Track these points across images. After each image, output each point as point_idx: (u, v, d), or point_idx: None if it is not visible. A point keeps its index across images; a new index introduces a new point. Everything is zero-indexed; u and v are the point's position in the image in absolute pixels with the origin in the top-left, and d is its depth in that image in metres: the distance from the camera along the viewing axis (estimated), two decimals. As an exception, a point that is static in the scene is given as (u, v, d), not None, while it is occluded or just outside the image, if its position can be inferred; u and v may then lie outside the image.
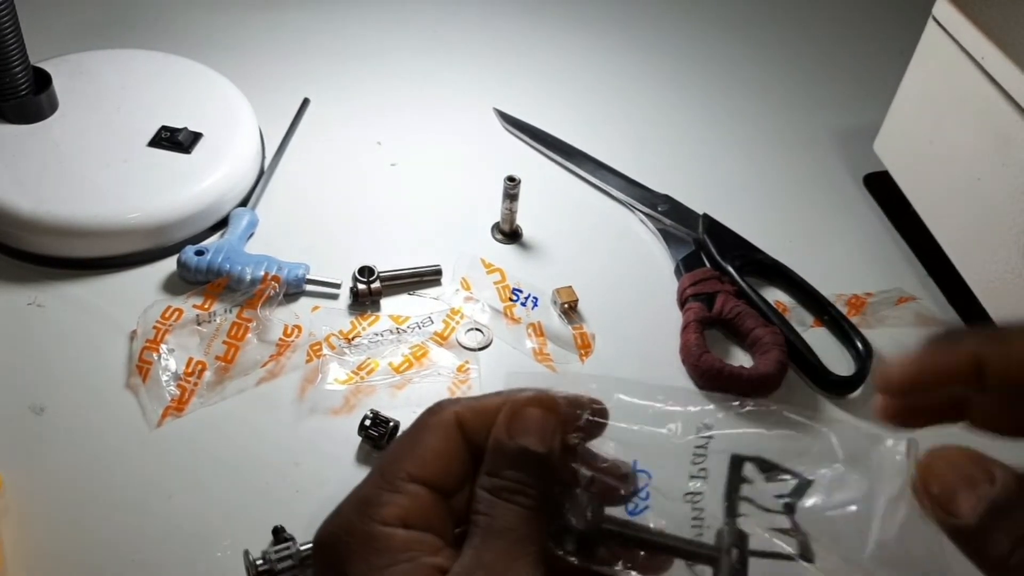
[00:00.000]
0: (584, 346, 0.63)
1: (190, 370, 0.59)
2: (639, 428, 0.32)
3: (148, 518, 0.53)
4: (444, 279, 0.66)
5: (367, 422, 0.56)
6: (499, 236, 0.71)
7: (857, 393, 0.61)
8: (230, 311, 0.62)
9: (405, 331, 0.62)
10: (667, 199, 0.73)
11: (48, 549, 0.51)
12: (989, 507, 0.26)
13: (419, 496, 0.30)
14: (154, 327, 0.61)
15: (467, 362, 0.61)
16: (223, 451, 0.56)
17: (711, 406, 0.32)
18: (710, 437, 0.31)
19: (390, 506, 0.29)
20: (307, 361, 0.61)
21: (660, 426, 0.32)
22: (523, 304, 0.65)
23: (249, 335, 0.61)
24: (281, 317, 0.63)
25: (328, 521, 0.31)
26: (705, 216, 0.71)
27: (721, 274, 0.66)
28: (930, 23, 0.65)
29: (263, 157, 0.75)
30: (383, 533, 0.29)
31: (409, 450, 0.31)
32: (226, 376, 0.59)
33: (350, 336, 0.62)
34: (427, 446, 0.31)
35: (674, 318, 0.65)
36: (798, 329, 0.63)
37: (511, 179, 0.67)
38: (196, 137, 0.70)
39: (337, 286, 0.65)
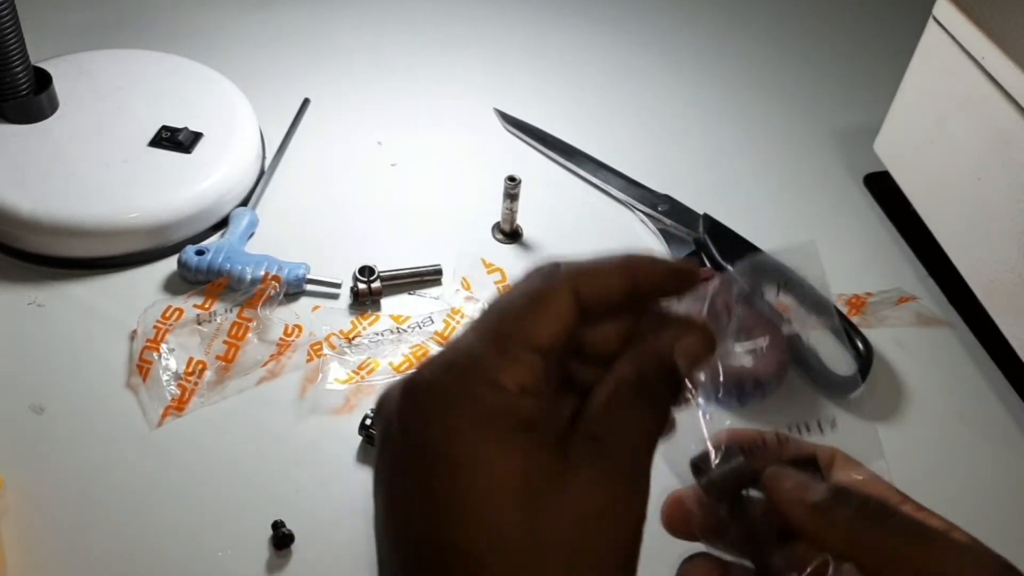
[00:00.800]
0: (584, 346, 0.63)
1: (190, 370, 0.59)
2: None
3: (148, 518, 0.53)
4: (444, 279, 0.66)
5: (367, 421, 0.56)
6: (499, 236, 0.71)
7: (857, 393, 0.61)
8: (230, 311, 0.62)
9: (406, 331, 0.62)
10: (667, 199, 0.73)
11: (48, 549, 0.51)
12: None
13: (535, 366, 0.28)
14: (154, 327, 0.61)
15: (467, 362, 0.61)
16: (223, 451, 0.56)
17: None
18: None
19: (510, 373, 0.28)
20: (308, 361, 0.61)
21: None
22: (523, 304, 0.65)
23: (249, 335, 0.61)
24: (281, 317, 0.63)
25: (426, 372, 0.28)
26: (705, 216, 0.71)
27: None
28: (930, 23, 0.65)
29: (263, 157, 0.75)
30: (505, 401, 0.27)
31: (528, 316, 0.29)
32: (227, 376, 0.59)
33: (351, 336, 0.62)
34: (548, 314, 0.29)
35: (674, 318, 0.65)
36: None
37: (511, 179, 0.67)
38: (196, 137, 0.70)
39: (337, 286, 0.65)
